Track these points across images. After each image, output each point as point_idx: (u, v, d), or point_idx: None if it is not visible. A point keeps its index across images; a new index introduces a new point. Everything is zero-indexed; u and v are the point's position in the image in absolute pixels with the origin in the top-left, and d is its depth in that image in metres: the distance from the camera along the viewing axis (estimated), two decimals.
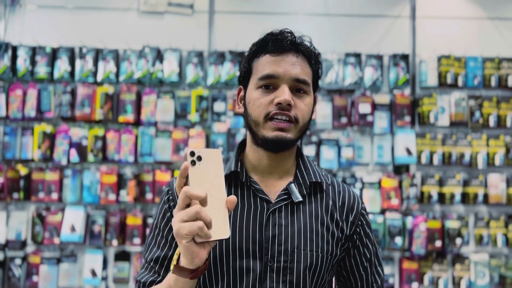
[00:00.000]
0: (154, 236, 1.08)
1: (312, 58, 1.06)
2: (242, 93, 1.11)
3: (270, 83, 1.02)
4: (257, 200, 1.05)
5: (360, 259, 1.13)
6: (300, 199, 1.05)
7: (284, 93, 1.00)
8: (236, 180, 1.08)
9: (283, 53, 1.03)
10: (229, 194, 1.06)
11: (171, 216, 1.07)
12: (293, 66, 1.02)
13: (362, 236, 1.13)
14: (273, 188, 1.08)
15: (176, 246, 1.05)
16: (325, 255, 1.05)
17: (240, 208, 1.04)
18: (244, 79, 1.10)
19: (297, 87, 1.03)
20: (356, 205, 1.13)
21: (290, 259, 1.01)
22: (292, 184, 1.07)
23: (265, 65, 1.03)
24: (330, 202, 1.10)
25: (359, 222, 1.12)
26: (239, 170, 1.07)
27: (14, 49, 3.40)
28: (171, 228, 1.06)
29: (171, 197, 1.08)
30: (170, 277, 0.88)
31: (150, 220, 3.29)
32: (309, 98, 1.05)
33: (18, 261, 3.26)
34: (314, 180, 1.09)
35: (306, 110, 1.04)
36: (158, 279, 1.03)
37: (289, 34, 1.04)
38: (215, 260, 1.02)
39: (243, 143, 1.14)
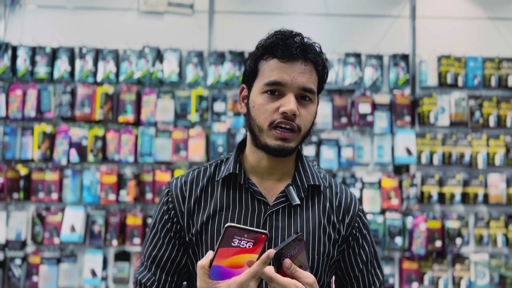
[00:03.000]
0: (151, 235, 1.11)
1: (319, 65, 1.04)
2: (245, 93, 1.10)
3: (276, 90, 1.01)
4: (255, 202, 1.05)
5: (355, 260, 1.13)
6: (298, 202, 1.05)
7: (290, 103, 0.98)
8: (235, 182, 1.08)
9: (291, 60, 1.00)
10: (227, 196, 1.07)
11: (169, 218, 1.08)
12: (301, 74, 1.00)
13: (358, 237, 1.13)
14: (272, 190, 1.08)
15: (173, 247, 1.08)
16: (321, 257, 1.05)
17: (238, 210, 1.04)
18: (248, 79, 1.08)
19: (303, 95, 1.02)
20: (353, 207, 1.13)
21: None
22: (291, 187, 1.07)
23: (272, 70, 1.01)
24: (327, 204, 1.10)
25: (356, 224, 1.12)
26: (237, 172, 1.07)
27: (14, 49, 3.40)
28: (168, 230, 1.08)
29: (170, 199, 1.09)
30: None
31: (150, 220, 3.29)
32: (313, 106, 1.04)
33: (18, 261, 3.26)
34: (312, 183, 1.09)
35: (309, 119, 1.04)
36: (154, 278, 1.07)
37: (298, 39, 1.01)
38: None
39: (243, 143, 1.14)
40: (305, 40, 1.03)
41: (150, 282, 1.08)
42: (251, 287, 0.81)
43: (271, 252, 0.80)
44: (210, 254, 0.84)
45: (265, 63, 1.03)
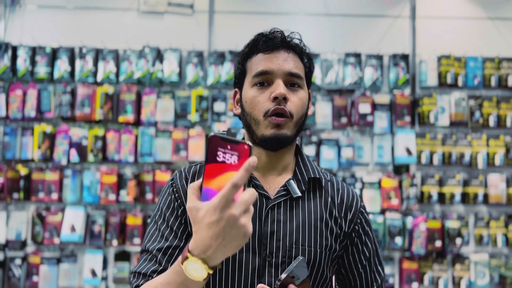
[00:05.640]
0: (158, 225, 1.06)
1: (303, 54, 1.10)
2: (238, 96, 1.14)
3: (264, 80, 1.05)
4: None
5: (358, 257, 1.13)
6: (299, 194, 1.06)
7: (279, 87, 1.02)
8: None
9: (274, 50, 1.06)
10: None
11: (178, 206, 1.06)
12: (286, 61, 1.05)
13: (361, 234, 1.13)
14: (273, 184, 1.09)
15: (182, 236, 1.03)
16: (323, 250, 1.05)
17: None
18: (239, 81, 1.12)
19: (291, 81, 1.06)
20: (355, 203, 1.13)
21: (289, 254, 1.02)
22: (291, 180, 1.08)
23: (258, 63, 1.06)
24: (329, 199, 1.11)
25: (358, 220, 1.13)
26: None
27: (14, 49, 3.40)
28: (176, 218, 1.05)
29: (175, 189, 1.08)
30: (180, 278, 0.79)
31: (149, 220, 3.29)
32: (303, 92, 1.07)
33: (18, 261, 3.26)
34: (312, 176, 1.10)
35: (299, 104, 1.06)
36: (160, 269, 1.00)
37: (279, 33, 1.07)
38: None
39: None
40: (287, 34, 1.09)
41: (151, 271, 1.01)
42: (242, 202, 0.73)
43: (253, 159, 0.73)
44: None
45: (250, 61, 1.09)
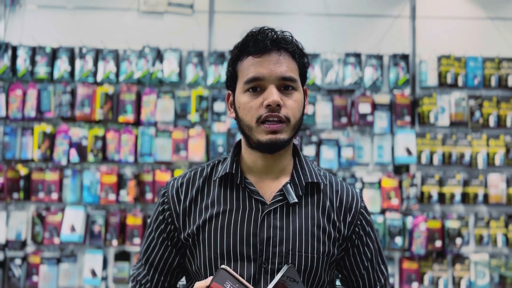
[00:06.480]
0: (146, 235, 1.14)
1: (296, 52, 1.04)
2: (231, 98, 1.10)
3: (256, 86, 1.01)
4: (252, 201, 1.04)
5: (360, 258, 1.12)
6: (295, 200, 1.04)
7: (272, 94, 0.99)
8: (232, 182, 1.07)
9: (265, 53, 1.01)
10: (224, 195, 1.06)
11: (164, 219, 1.09)
12: (277, 65, 1.01)
13: (362, 235, 1.11)
14: (269, 189, 1.07)
15: (165, 249, 1.09)
16: (320, 256, 1.04)
17: (235, 210, 1.04)
18: (231, 84, 1.08)
19: (284, 85, 1.02)
20: (355, 204, 1.11)
21: (285, 261, 1.01)
22: (288, 185, 1.06)
23: (249, 68, 1.02)
24: (327, 203, 1.08)
25: (358, 222, 1.11)
26: (234, 171, 1.06)
27: (14, 49, 3.40)
28: (162, 231, 1.10)
29: (166, 200, 1.09)
30: None
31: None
32: (298, 94, 1.04)
33: (18, 261, 3.26)
34: (310, 180, 1.08)
35: (296, 107, 1.03)
36: (146, 273, 1.11)
37: (269, 32, 1.02)
38: (210, 263, 1.02)
39: (240, 143, 1.13)
40: (278, 32, 1.03)
41: (145, 280, 1.11)
42: None
43: None
44: (209, 280, 0.90)
45: (241, 64, 1.04)
